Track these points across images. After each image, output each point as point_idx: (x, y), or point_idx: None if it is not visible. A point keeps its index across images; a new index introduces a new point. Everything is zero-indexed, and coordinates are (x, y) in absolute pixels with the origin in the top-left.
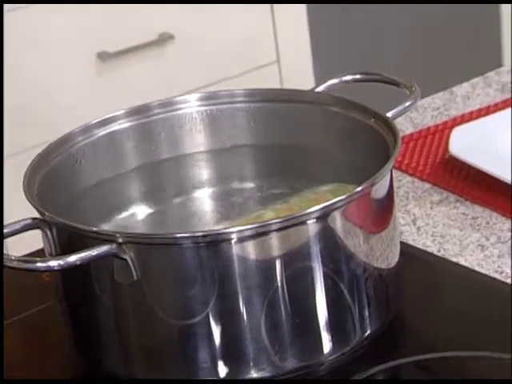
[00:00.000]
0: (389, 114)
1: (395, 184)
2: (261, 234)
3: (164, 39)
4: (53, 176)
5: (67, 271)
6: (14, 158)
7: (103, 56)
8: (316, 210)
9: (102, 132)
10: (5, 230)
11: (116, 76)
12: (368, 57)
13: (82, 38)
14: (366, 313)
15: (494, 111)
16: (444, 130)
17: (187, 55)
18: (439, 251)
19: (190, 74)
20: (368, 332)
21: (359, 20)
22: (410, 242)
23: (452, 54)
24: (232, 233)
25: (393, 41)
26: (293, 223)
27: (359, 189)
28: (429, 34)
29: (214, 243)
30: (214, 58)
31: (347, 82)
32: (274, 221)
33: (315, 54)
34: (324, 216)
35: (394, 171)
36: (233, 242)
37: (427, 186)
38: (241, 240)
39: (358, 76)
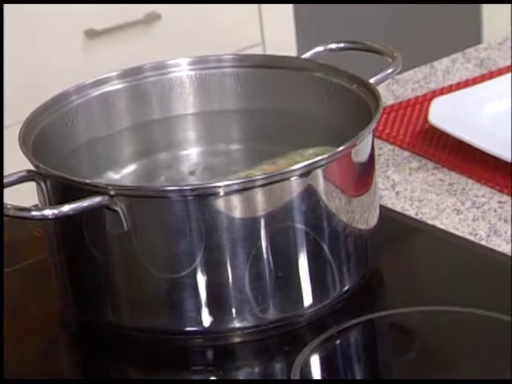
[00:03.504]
0: (371, 81)
1: (376, 152)
2: (246, 188)
3: (151, 18)
4: (47, 133)
5: (61, 224)
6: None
7: (90, 33)
8: (299, 168)
9: (95, 92)
10: None
11: (103, 54)
12: (351, 35)
13: (69, 14)
14: (345, 268)
15: (473, 85)
16: (424, 101)
17: (173, 35)
18: (417, 214)
19: (175, 54)
20: (347, 287)
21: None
22: (389, 206)
23: (433, 30)
24: (219, 187)
25: (376, 17)
26: (277, 179)
27: (341, 148)
28: (411, 12)
29: (202, 197)
30: (200, 39)
31: (332, 49)
32: (259, 177)
33: (299, 36)
34: (306, 174)
35: (375, 140)
36: (219, 195)
37: (407, 153)
38: (227, 194)
39: (342, 44)
